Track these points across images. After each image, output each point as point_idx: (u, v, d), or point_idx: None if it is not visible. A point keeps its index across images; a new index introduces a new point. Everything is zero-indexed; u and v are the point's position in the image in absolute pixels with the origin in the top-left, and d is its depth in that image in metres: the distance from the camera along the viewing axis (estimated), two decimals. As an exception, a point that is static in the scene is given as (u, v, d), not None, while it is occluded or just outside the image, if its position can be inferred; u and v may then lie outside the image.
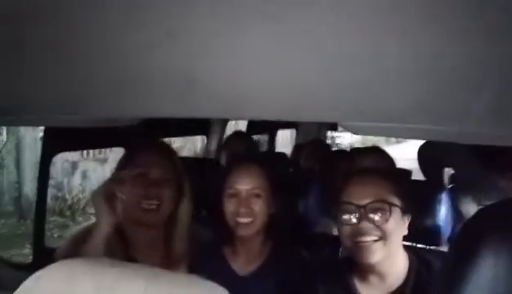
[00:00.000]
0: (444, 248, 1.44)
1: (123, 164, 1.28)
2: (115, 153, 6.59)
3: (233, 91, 0.44)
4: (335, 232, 1.77)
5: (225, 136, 2.87)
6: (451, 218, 1.47)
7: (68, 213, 6.16)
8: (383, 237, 1.09)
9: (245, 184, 1.30)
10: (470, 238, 0.55)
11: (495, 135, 0.42)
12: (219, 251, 1.38)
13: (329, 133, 5.19)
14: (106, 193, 1.16)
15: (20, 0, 0.42)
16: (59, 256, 1.21)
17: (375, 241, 1.09)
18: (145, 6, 0.39)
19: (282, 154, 3.16)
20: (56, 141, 1.78)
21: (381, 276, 1.14)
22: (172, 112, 0.51)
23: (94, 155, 6.88)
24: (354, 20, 0.33)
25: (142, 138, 2.16)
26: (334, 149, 3.85)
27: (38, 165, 1.85)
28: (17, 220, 5.78)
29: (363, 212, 1.10)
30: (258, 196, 1.30)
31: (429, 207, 1.43)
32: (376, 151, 1.89)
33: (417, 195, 1.26)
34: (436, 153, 2.13)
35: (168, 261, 1.26)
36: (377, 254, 1.09)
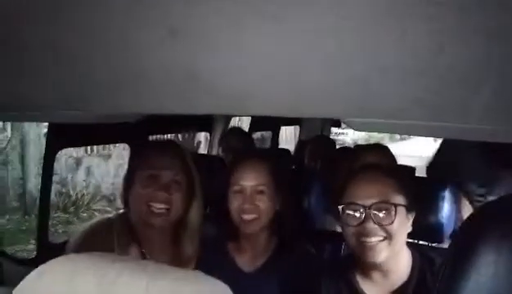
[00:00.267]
0: (446, 245, 1.44)
1: (134, 164, 1.27)
2: (119, 149, 6.62)
3: (234, 88, 0.44)
4: (338, 229, 1.78)
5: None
6: (453, 215, 1.47)
7: (72, 209, 6.18)
8: (388, 237, 1.08)
9: (250, 180, 1.30)
10: (471, 235, 0.55)
11: (494, 132, 0.42)
12: (224, 248, 1.38)
13: (332, 130, 5.18)
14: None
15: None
16: (67, 251, 1.21)
17: (380, 241, 1.09)
18: (147, 4, 0.39)
19: (286, 151, 3.17)
20: (60, 137, 1.79)
21: (385, 273, 1.13)
22: (173, 108, 0.52)
23: (98, 151, 6.90)
24: (354, 18, 0.34)
25: (146, 135, 2.18)
26: (337, 145, 3.85)
27: (42, 161, 1.86)
28: (22, 215, 5.81)
29: (368, 212, 1.09)
30: (262, 193, 1.30)
31: (432, 204, 1.43)
32: (379, 148, 1.89)
33: (420, 192, 1.25)
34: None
35: (177, 262, 1.26)
36: (382, 253, 1.09)
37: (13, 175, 6.10)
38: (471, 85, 0.33)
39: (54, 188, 5.50)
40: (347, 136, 10.00)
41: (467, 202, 1.91)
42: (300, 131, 4.17)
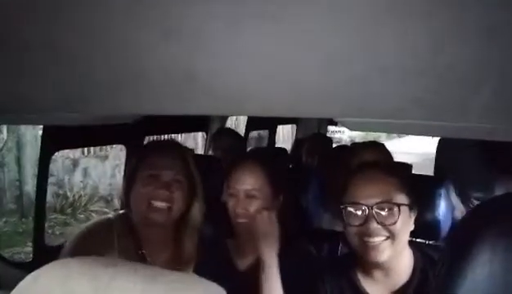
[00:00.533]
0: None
1: (135, 164, 1.27)
2: (116, 150, 6.61)
3: (233, 88, 0.44)
4: (336, 228, 1.78)
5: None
6: (449, 213, 1.47)
7: (69, 210, 6.16)
8: (391, 236, 1.08)
9: (242, 184, 1.31)
10: (467, 234, 0.55)
11: (493, 131, 0.42)
12: (223, 247, 1.38)
13: (329, 128, 5.19)
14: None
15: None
16: (63, 255, 1.21)
17: (383, 240, 1.08)
18: (147, 5, 0.39)
19: (282, 150, 3.17)
20: (55, 139, 1.78)
21: (387, 272, 1.13)
22: (171, 109, 0.52)
23: (95, 152, 6.88)
24: (352, 17, 0.33)
25: (142, 136, 2.17)
26: (334, 143, 3.85)
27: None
28: (19, 218, 5.79)
29: (370, 212, 1.08)
30: (254, 197, 1.31)
31: (429, 202, 1.43)
32: (376, 146, 1.89)
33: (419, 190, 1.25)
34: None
35: (178, 261, 1.26)
36: (385, 253, 1.08)
37: (9, 177, 6.07)
38: (471, 84, 0.33)
39: (51, 189, 5.49)
40: (343, 134, 10.00)
41: (461, 205, 1.92)
42: (297, 129, 4.18)
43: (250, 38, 0.39)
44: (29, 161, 5.92)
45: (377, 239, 1.08)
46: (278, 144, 4.22)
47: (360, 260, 1.16)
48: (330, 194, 1.87)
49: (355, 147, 2.09)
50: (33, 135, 5.93)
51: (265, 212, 1.26)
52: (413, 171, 2.08)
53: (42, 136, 1.83)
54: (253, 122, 3.44)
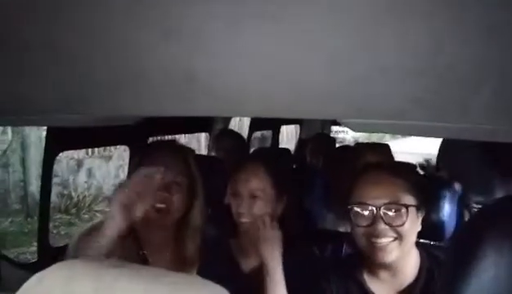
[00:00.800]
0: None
1: (137, 164, 1.27)
2: (120, 151, 6.63)
3: (234, 89, 0.44)
4: (339, 228, 1.78)
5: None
6: (454, 213, 1.46)
7: (73, 211, 6.19)
8: (398, 237, 1.07)
9: (245, 185, 1.32)
10: (472, 236, 0.55)
11: (494, 131, 0.42)
12: (227, 248, 1.38)
13: (332, 128, 5.18)
14: (121, 194, 1.16)
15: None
16: (68, 256, 1.21)
17: (391, 241, 1.08)
18: (147, 5, 0.39)
19: (286, 150, 3.17)
20: (59, 140, 1.78)
21: (393, 273, 1.12)
22: (172, 110, 0.52)
23: (99, 152, 6.90)
24: (352, 17, 0.33)
25: (146, 136, 2.18)
26: (337, 143, 3.85)
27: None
28: (24, 218, 5.82)
29: (378, 213, 1.08)
30: (257, 198, 1.31)
31: (433, 202, 1.42)
32: (380, 146, 1.89)
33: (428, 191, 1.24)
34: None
35: (180, 262, 1.26)
36: (393, 254, 1.08)
37: (14, 177, 6.10)
38: (471, 85, 0.33)
39: (55, 190, 5.51)
40: (347, 134, 9.98)
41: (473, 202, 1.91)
42: (301, 129, 4.17)
43: (250, 38, 0.39)
44: (34, 162, 5.94)
45: (384, 240, 1.07)
46: (282, 145, 4.21)
47: (366, 261, 1.15)
48: (334, 195, 1.86)
49: (358, 147, 2.09)
50: (37, 136, 5.95)
51: (267, 218, 1.26)
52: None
53: (46, 137, 1.84)
54: (257, 123, 3.44)
